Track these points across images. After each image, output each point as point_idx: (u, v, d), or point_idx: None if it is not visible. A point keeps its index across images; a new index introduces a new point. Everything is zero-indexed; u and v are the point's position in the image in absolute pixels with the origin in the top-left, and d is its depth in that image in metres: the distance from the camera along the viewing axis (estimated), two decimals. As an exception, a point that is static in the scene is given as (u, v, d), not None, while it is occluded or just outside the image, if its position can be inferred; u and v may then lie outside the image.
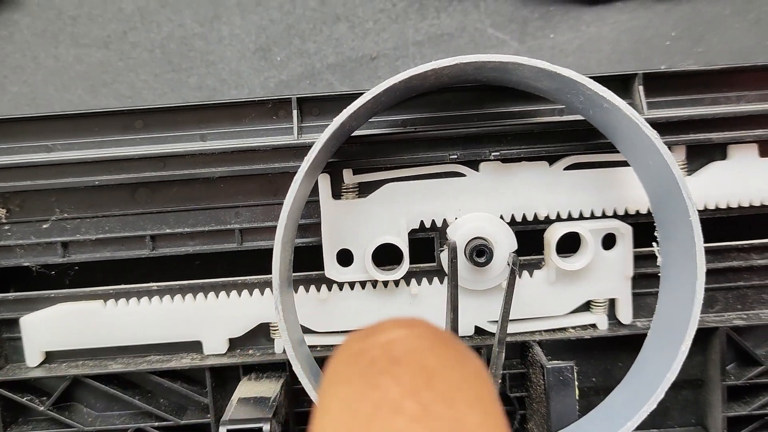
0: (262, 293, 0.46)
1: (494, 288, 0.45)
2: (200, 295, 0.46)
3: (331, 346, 0.46)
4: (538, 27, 0.52)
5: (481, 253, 0.43)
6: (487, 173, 0.45)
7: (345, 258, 0.45)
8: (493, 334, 0.46)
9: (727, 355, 0.46)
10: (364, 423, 0.20)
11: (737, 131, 0.44)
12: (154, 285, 0.46)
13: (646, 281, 0.46)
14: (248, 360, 0.45)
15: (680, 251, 0.39)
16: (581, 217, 0.45)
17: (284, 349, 0.40)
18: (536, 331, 0.46)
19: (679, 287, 0.39)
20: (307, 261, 0.45)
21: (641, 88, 0.44)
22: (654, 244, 0.44)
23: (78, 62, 0.51)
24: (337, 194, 0.45)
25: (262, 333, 0.46)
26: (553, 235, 0.44)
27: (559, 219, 0.45)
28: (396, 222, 0.44)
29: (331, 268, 0.45)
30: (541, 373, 0.41)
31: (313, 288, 0.46)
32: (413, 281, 0.46)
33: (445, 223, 0.45)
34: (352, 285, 0.45)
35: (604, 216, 0.45)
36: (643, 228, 0.45)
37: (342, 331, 0.46)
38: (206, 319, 0.46)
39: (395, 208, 0.45)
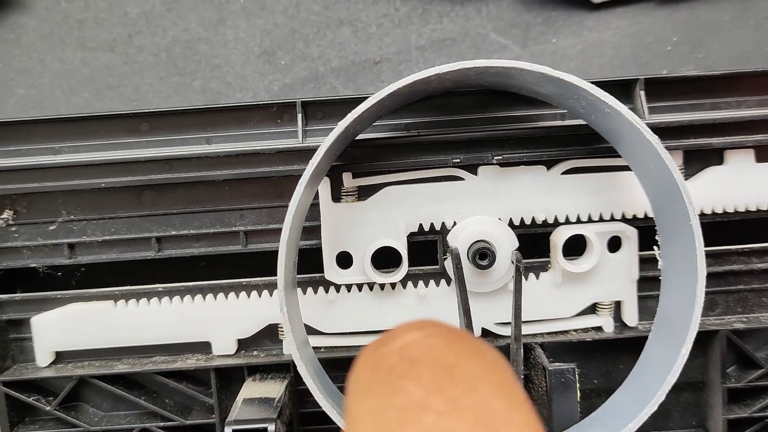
0: (271, 294, 0.46)
1: (498, 290, 0.45)
2: (210, 296, 0.46)
3: (336, 347, 0.46)
4: (540, 32, 0.52)
5: (483, 255, 0.43)
6: (485, 177, 0.45)
7: (345, 260, 0.45)
8: (500, 336, 0.46)
9: (728, 358, 0.46)
10: (395, 429, 0.20)
11: (737, 136, 0.45)
12: (163, 286, 0.46)
13: (648, 284, 0.46)
14: (253, 361, 0.46)
15: (681, 255, 0.40)
16: (578, 221, 0.45)
17: (290, 350, 0.40)
18: (538, 334, 0.46)
19: (680, 290, 0.39)
20: (309, 263, 0.45)
21: (642, 93, 0.44)
22: (655, 247, 0.44)
23: (84, 65, 0.52)
24: (336, 197, 0.45)
25: (266, 334, 0.47)
26: (560, 237, 0.45)
27: (556, 223, 0.45)
28: (395, 225, 0.45)
29: (331, 271, 0.45)
30: (543, 375, 0.42)
31: (321, 289, 0.46)
32: (420, 283, 0.46)
33: (444, 227, 0.45)
34: (360, 287, 0.46)
35: (601, 220, 0.45)
36: (643, 232, 0.45)
37: (349, 333, 0.46)
38: (216, 320, 0.46)
39: (394, 211, 0.45)
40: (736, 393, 0.46)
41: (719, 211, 0.45)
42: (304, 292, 0.46)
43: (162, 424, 0.46)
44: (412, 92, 0.41)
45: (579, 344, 0.46)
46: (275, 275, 0.39)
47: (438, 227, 0.45)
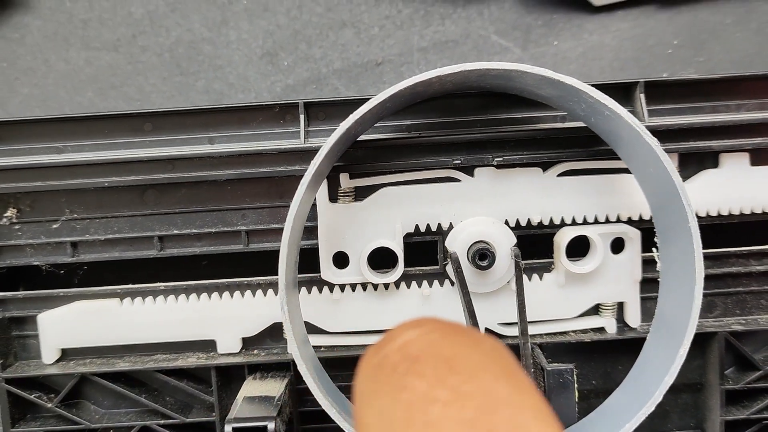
0: (276, 293, 0.46)
1: (499, 290, 0.46)
2: (215, 294, 0.47)
3: (336, 346, 0.47)
4: (541, 34, 0.53)
5: (483, 256, 0.43)
6: (482, 179, 0.45)
7: (342, 260, 0.46)
8: (504, 336, 0.46)
9: (726, 360, 0.47)
10: (405, 425, 0.21)
11: (736, 139, 0.45)
12: (167, 284, 0.47)
13: (651, 286, 0.46)
14: (253, 360, 0.46)
15: (680, 257, 0.40)
16: (574, 222, 0.46)
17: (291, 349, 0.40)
18: (538, 335, 0.47)
19: (679, 292, 0.40)
20: (305, 262, 0.45)
21: (642, 96, 0.45)
22: (654, 249, 0.44)
23: (88, 65, 0.52)
24: (333, 198, 0.45)
25: (268, 333, 0.47)
26: (563, 238, 0.45)
27: (552, 225, 0.46)
28: (391, 226, 0.45)
29: (327, 270, 0.45)
30: (542, 375, 0.42)
31: (326, 289, 0.46)
32: (425, 283, 0.46)
33: (440, 228, 0.46)
34: (364, 286, 0.46)
35: (596, 222, 0.46)
36: (643, 234, 0.45)
37: (350, 332, 0.47)
38: (221, 319, 0.46)
39: (391, 212, 0.45)
40: (734, 395, 0.47)
41: (714, 213, 0.46)
42: (309, 291, 0.46)
43: (162, 421, 0.47)
44: (413, 94, 0.41)
45: (578, 345, 0.47)
46: (277, 275, 0.39)
47: (434, 228, 0.46)
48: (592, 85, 0.38)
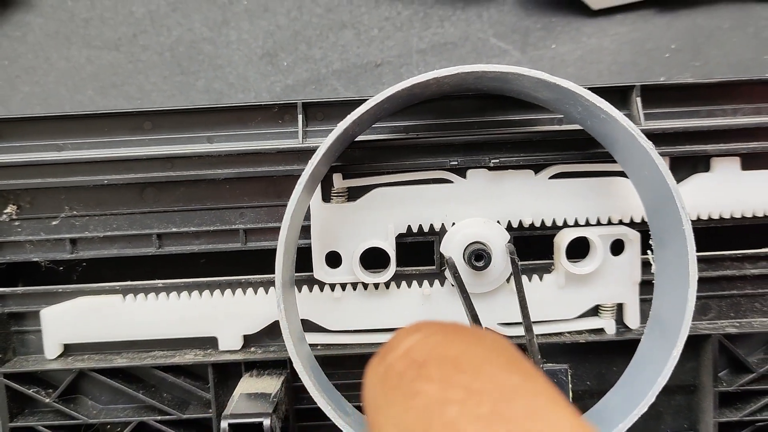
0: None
1: (497, 289, 0.46)
2: (217, 292, 0.47)
3: (332, 345, 0.47)
4: (539, 37, 0.53)
5: (479, 257, 0.44)
6: (474, 180, 0.46)
7: (334, 260, 0.46)
8: (504, 336, 0.47)
9: (720, 362, 0.47)
10: (423, 430, 0.21)
11: (731, 144, 0.45)
12: (169, 281, 0.47)
13: (650, 288, 0.46)
14: (250, 357, 0.46)
15: (674, 259, 0.40)
16: (565, 225, 0.46)
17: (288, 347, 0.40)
18: (535, 335, 0.47)
19: (673, 293, 0.40)
20: (300, 262, 0.46)
21: (639, 99, 0.45)
22: (649, 251, 0.45)
23: (89, 64, 0.52)
24: (327, 198, 0.46)
25: (265, 331, 0.47)
26: (563, 239, 0.45)
27: (544, 227, 0.46)
28: (384, 226, 0.46)
29: (320, 270, 0.46)
30: (536, 375, 0.42)
31: (327, 288, 0.47)
32: (425, 283, 0.47)
33: (432, 228, 0.46)
34: (365, 286, 0.46)
35: (587, 224, 0.46)
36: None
37: (348, 331, 0.47)
38: (223, 316, 0.47)
39: (383, 212, 0.46)
40: (727, 397, 0.47)
41: (705, 217, 0.46)
42: (300, 290, 0.47)
43: (159, 417, 0.47)
44: (411, 95, 0.42)
45: (573, 346, 0.47)
46: (273, 273, 0.39)
47: (426, 229, 0.46)
48: (589, 89, 0.38)
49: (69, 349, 0.48)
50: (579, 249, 0.46)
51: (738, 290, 0.47)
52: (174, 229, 0.47)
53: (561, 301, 0.46)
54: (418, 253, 0.46)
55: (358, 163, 0.45)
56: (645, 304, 0.46)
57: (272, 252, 0.40)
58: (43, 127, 0.46)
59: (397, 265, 0.46)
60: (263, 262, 0.46)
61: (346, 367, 0.47)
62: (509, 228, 0.46)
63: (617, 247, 0.46)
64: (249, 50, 0.52)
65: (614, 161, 0.44)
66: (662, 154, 0.38)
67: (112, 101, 0.52)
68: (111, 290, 0.47)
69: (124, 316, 0.47)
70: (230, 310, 0.47)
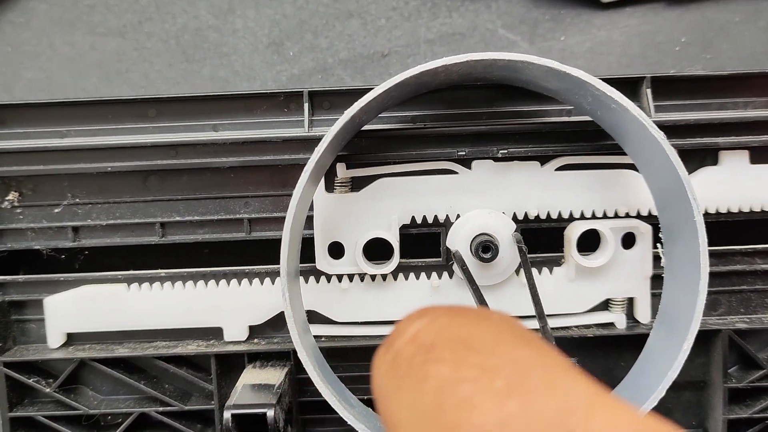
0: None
1: (504, 282, 0.45)
2: (223, 282, 0.46)
3: (336, 336, 0.46)
4: (548, 29, 0.52)
5: (486, 248, 0.43)
6: (479, 171, 0.45)
7: (337, 250, 0.45)
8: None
9: (730, 358, 0.46)
10: (437, 410, 0.20)
11: (741, 137, 0.45)
12: (174, 271, 0.46)
13: (661, 282, 0.46)
14: (253, 348, 0.46)
15: (685, 252, 0.40)
16: (571, 217, 0.45)
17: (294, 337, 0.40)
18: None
19: (683, 287, 0.39)
20: (302, 252, 0.45)
21: (649, 91, 0.44)
22: (658, 245, 0.44)
23: (93, 50, 0.52)
24: (330, 188, 0.45)
25: (269, 322, 0.47)
26: (574, 232, 0.45)
27: (549, 219, 0.45)
28: (387, 217, 0.45)
29: (323, 260, 0.45)
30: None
31: (328, 279, 0.46)
32: (434, 274, 0.46)
33: (437, 220, 0.45)
34: (373, 277, 0.46)
35: (594, 217, 0.45)
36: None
37: (352, 322, 0.46)
38: (228, 306, 0.46)
39: (387, 203, 0.45)
40: (737, 393, 0.46)
41: (713, 211, 0.45)
42: (306, 281, 0.46)
43: (161, 408, 0.46)
44: (419, 84, 0.41)
45: (581, 340, 0.46)
46: (278, 263, 0.39)
47: (431, 220, 0.45)
48: (599, 79, 0.38)
49: (71, 339, 0.47)
50: (588, 242, 0.45)
51: (748, 285, 0.47)
52: (178, 218, 0.46)
53: (571, 295, 0.46)
54: (423, 245, 0.46)
55: (365, 153, 0.45)
56: (656, 298, 0.46)
57: (277, 242, 0.39)
58: (47, 113, 0.46)
59: (401, 257, 0.45)
60: (267, 252, 0.45)
61: (350, 360, 0.47)
62: (515, 220, 0.45)
63: (628, 241, 0.45)
64: (255, 39, 0.52)
65: (623, 153, 0.43)
66: (673, 146, 0.38)
67: (117, 88, 0.52)
68: (113, 279, 0.46)
69: (128, 305, 0.46)
70: (236, 301, 0.46)
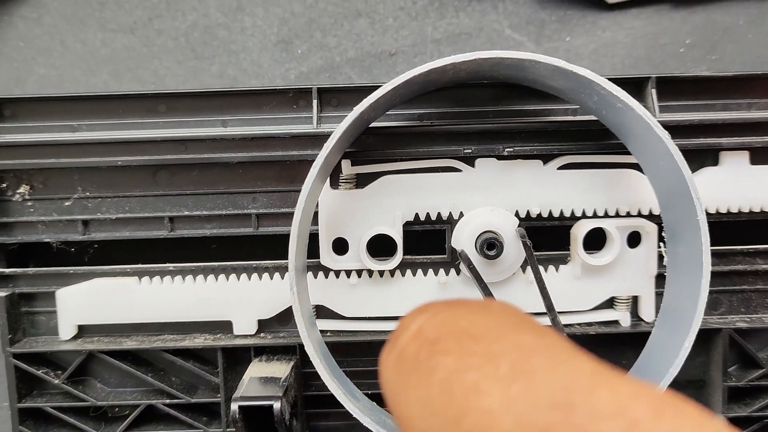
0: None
1: (509, 278, 0.46)
2: (233, 276, 0.47)
3: (342, 331, 0.47)
4: (554, 30, 0.53)
5: (491, 246, 0.44)
6: (483, 169, 0.45)
7: (341, 246, 0.46)
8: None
9: (730, 357, 0.47)
10: (446, 401, 0.20)
11: (745, 137, 0.45)
12: (184, 265, 0.47)
13: (664, 281, 0.46)
14: (260, 342, 0.46)
15: (687, 251, 0.40)
16: (573, 216, 0.46)
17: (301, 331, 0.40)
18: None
19: (685, 285, 0.40)
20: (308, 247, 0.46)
21: (654, 91, 0.45)
22: (661, 244, 0.45)
23: (104, 47, 0.52)
24: (335, 184, 0.46)
25: (276, 317, 0.47)
26: (580, 230, 0.45)
27: (551, 217, 0.46)
28: (391, 214, 0.45)
29: (327, 256, 0.46)
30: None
31: (343, 274, 0.46)
32: (441, 271, 0.47)
33: (440, 217, 0.46)
34: (381, 273, 0.46)
35: (595, 216, 0.46)
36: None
37: (357, 318, 0.47)
38: (238, 300, 0.47)
39: (391, 200, 0.46)
40: (736, 392, 0.47)
41: (712, 211, 0.46)
42: (337, 276, 0.47)
43: (168, 401, 0.47)
44: (426, 82, 0.41)
45: (582, 338, 0.47)
46: (286, 259, 0.39)
47: (434, 217, 0.46)
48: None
49: (80, 332, 0.48)
50: (593, 241, 0.46)
51: (749, 285, 0.47)
52: (186, 213, 0.47)
53: (577, 293, 0.46)
54: (428, 241, 0.46)
55: (372, 150, 0.45)
56: (661, 297, 0.46)
57: (284, 237, 0.40)
58: (58, 107, 0.46)
59: (406, 254, 0.46)
60: (275, 247, 0.46)
61: (355, 355, 0.47)
62: (518, 218, 0.46)
63: (633, 240, 0.46)
64: (264, 37, 0.52)
65: (628, 153, 0.44)
66: (677, 146, 0.38)
67: (126, 84, 0.52)
68: (122, 272, 0.47)
69: (140, 298, 0.47)
70: (245, 295, 0.47)
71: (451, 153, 0.45)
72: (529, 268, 0.45)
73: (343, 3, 0.52)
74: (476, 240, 0.45)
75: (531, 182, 0.46)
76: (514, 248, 0.45)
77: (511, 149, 0.45)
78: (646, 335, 0.44)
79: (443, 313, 0.24)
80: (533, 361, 0.20)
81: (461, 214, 0.46)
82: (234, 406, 0.39)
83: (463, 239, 0.45)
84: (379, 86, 0.39)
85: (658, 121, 0.38)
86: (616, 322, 0.47)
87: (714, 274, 0.41)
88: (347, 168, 0.46)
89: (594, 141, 0.45)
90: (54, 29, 0.52)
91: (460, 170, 0.46)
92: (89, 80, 0.52)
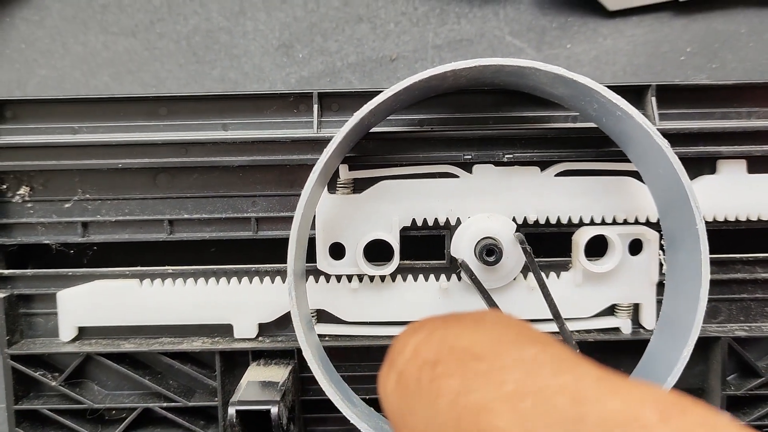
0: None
1: (509, 284, 0.46)
2: (234, 279, 0.47)
3: (340, 336, 0.47)
4: (555, 37, 0.53)
5: (490, 252, 0.44)
6: (479, 175, 0.46)
7: (338, 251, 0.46)
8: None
9: (728, 366, 0.47)
10: (456, 427, 0.20)
11: (745, 146, 0.45)
12: (185, 268, 0.47)
13: (662, 289, 0.46)
14: (258, 346, 0.46)
15: (686, 258, 0.40)
16: (570, 223, 0.46)
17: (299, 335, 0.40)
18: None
19: (684, 293, 0.40)
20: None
21: (654, 99, 0.45)
22: (660, 252, 0.45)
23: (105, 49, 0.52)
24: (332, 189, 0.46)
25: (274, 322, 0.47)
26: (582, 237, 0.45)
27: (548, 224, 0.46)
28: (388, 219, 0.45)
29: (323, 261, 0.46)
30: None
31: (344, 279, 0.46)
32: (443, 276, 0.46)
33: (437, 222, 0.46)
34: (383, 278, 0.46)
35: (593, 222, 0.46)
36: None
37: (355, 322, 0.47)
38: (239, 304, 0.47)
39: (388, 205, 0.46)
40: (735, 401, 0.47)
41: (710, 219, 0.46)
42: (338, 280, 0.47)
43: (165, 404, 0.47)
44: (427, 88, 0.42)
45: (580, 345, 0.47)
46: (285, 263, 0.39)
47: (431, 223, 0.46)
48: (605, 87, 0.38)
49: (78, 334, 0.48)
50: (593, 248, 0.46)
51: (749, 294, 0.47)
52: (186, 216, 0.47)
53: (578, 299, 0.46)
54: (426, 246, 0.46)
55: (372, 155, 0.45)
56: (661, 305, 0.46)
57: (283, 241, 0.40)
58: (59, 109, 0.46)
59: (404, 259, 0.46)
60: (274, 251, 0.46)
61: (353, 360, 0.47)
62: (515, 224, 0.46)
63: (634, 247, 0.46)
64: (265, 41, 0.53)
65: (627, 160, 0.44)
66: (677, 154, 0.38)
67: (127, 87, 0.52)
68: (121, 275, 0.47)
69: (141, 300, 0.46)
70: (246, 298, 0.47)
71: (451, 159, 0.45)
72: (530, 274, 0.45)
73: (344, 8, 0.53)
74: (475, 247, 0.45)
75: (528, 189, 0.46)
76: (513, 254, 0.45)
77: (511, 156, 0.45)
78: (646, 343, 0.44)
79: (439, 331, 0.24)
80: (538, 374, 0.20)
81: (458, 220, 0.46)
82: (231, 410, 0.39)
83: (462, 248, 0.45)
84: (380, 91, 0.39)
85: (658, 129, 0.39)
86: (617, 330, 0.47)
87: (713, 282, 0.41)
88: (344, 173, 0.46)
89: (594, 148, 0.45)
90: (55, 31, 0.52)
91: (457, 176, 0.46)
92: (90, 82, 0.52)
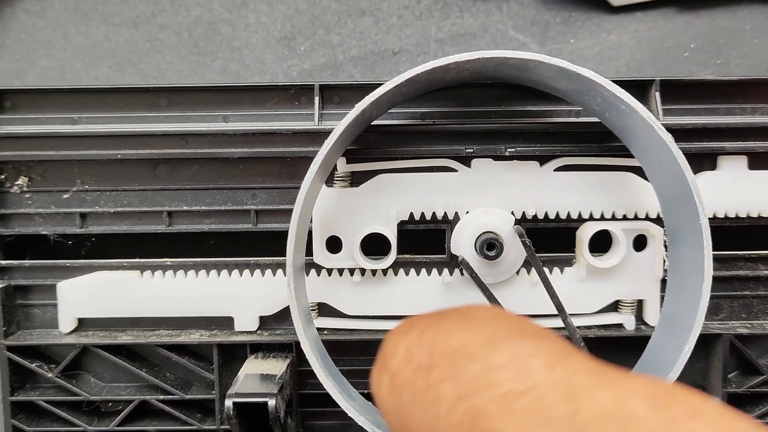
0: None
1: (509, 279, 0.46)
2: (235, 272, 0.46)
3: (339, 329, 0.47)
4: (559, 31, 0.53)
5: (491, 246, 0.43)
6: (478, 170, 0.45)
7: (335, 245, 0.45)
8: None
9: (730, 363, 0.46)
10: (456, 429, 0.20)
11: (748, 142, 0.45)
12: (186, 260, 0.47)
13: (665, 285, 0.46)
14: (256, 339, 0.46)
15: (689, 254, 0.40)
16: (569, 219, 0.45)
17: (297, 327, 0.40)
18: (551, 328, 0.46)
19: (686, 289, 0.40)
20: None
21: (657, 94, 0.45)
22: (662, 248, 0.44)
23: (106, 40, 0.52)
24: (329, 182, 0.45)
25: (273, 315, 0.47)
26: (586, 232, 0.45)
27: (547, 219, 0.46)
28: (386, 213, 0.45)
29: (320, 254, 0.45)
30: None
31: (346, 272, 0.46)
32: (445, 271, 0.46)
33: (434, 216, 0.45)
34: (385, 272, 0.46)
35: (592, 218, 0.46)
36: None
37: (353, 316, 0.46)
38: (241, 296, 0.46)
39: (386, 199, 0.45)
40: (736, 398, 0.46)
41: (710, 215, 0.45)
42: (340, 274, 0.46)
43: (162, 397, 0.47)
44: (429, 80, 0.41)
45: (585, 340, 0.46)
46: (284, 256, 0.39)
47: (429, 217, 0.45)
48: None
49: (78, 325, 0.48)
50: (597, 244, 0.45)
51: (751, 291, 0.47)
52: (185, 208, 0.46)
53: (582, 295, 0.46)
54: (425, 240, 0.46)
55: (372, 148, 0.45)
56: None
57: (282, 234, 0.39)
58: (59, 99, 0.46)
59: (403, 253, 0.46)
60: (273, 243, 0.45)
61: (351, 354, 0.47)
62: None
63: (639, 243, 0.46)
64: (267, 33, 0.52)
65: (630, 156, 0.43)
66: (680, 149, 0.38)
67: (128, 79, 0.52)
68: (119, 266, 0.47)
69: (141, 292, 0.46)
70: (246, 291, 0.46)
71: (452, 152, 0.45)
72: (532, 269, 0.45)
73: (347, 1, 0.52)
74: (475, 242, 0.44)
75: (527, 183, 0.45)
76: (513, 248, 0.44)
77: (513, 150, 0.45)
78: (643, 339, 0.43)
79: (430, 331, 0.24)
80: (532, 371, 0.20)
81: (456, 215, 0.45)
82: (228, 403, 0.39)
83: (462, 244, 0.45)
84: (382, 84, 0.38)
85: (662, 124, 0.38)
86: (620, 326, 0.46)
87: (715, 279, 0.40)
88: (342, 166, 0.45)
89: (596, 143, 0.45)
90: (57, 22, 0.52)
91: (456, 170, 0.45)
92: (91, 74, 0.52)
